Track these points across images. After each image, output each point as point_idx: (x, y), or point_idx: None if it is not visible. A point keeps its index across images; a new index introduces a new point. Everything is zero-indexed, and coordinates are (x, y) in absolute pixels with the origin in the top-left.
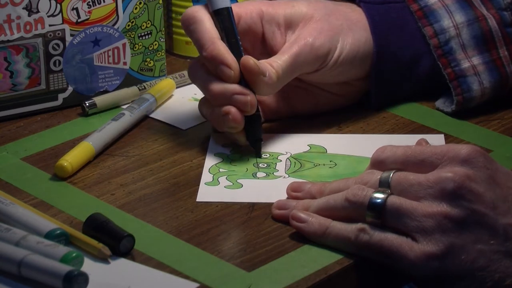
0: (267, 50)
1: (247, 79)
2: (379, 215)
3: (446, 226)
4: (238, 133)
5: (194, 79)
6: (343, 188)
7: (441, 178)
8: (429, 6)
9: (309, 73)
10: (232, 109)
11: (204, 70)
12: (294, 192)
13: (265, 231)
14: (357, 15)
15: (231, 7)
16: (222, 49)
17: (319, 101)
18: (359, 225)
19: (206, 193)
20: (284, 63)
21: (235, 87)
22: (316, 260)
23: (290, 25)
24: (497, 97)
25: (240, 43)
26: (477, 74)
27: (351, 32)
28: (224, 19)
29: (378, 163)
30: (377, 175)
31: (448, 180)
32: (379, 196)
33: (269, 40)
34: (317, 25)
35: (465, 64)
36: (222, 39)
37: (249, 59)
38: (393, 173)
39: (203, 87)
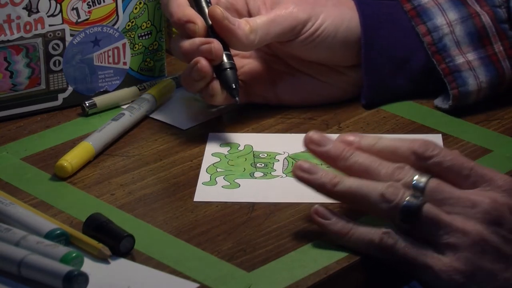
0: None
1: (218, 31)
2: (411, 220)
3: (480, 249)
4: (213, 87)
5: (174, 53)
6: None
7: (483, 202)
8: (422, 5)
9: (288, 42)
10: (201, 59)
11: (180, 40)
12: (317, 145)
13: (265, 231)
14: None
15: None
16: (187, 11)
17: (307, 90)
18: (384, 229)
19: (204, 193)
20: (261, 21)
21: (200, 39)
22: (316, 260)
23: (275, 2)
24: (495, 94)
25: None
26: (472, 69)
27: (337, 8)
28: None
29: (418, 154)
30: (411, 174)
31: (491, 206)
32: (414, 201)
33: (254, 16)
34: None
35: (460, 60)
36: (191, 6)
37: (215, 7)
38: (430, 179)
39: (176, 52)
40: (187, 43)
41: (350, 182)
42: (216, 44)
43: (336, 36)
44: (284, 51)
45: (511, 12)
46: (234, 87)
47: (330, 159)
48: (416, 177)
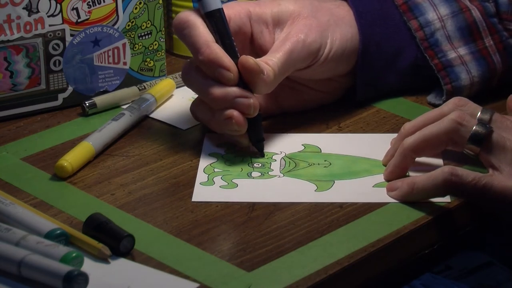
0: (255, 49)
1: (245, 79)
2: (479, 143)
3: None
4: (240, 135)
5: (189, 83)
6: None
7: None
8: (413, 0)
9: (301, 70)
10: (235, 113)
11: (200, 73)
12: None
13: (265, 231)
14: (341, 11)
15: (222, 8)
16: (218, 52)
17: (305, 99)
18: (441, 171)
19: (201, 193)
20: (279, 61)
21: (236, 90)
22: (316, 260)
23: (278, 23)
24: (487, 88)
25: (234, 43)
26: (464, 63)
27: (338, 28)
28: (217, 21)
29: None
30: (474, 108)
31: None
32: (483, 127)
33: (257, 39)
34: (306, 22)
35: (452, 55)
36: (216, 41)
37: (248, 59)
38: (494, 113)
39: (201, 91)
40: (219, 91)
41: (412, 136)
42: (254, 100)
43: (342, 57)
44: (292, 74)
45: (499, 6)
46: (263, 141)
47: (403, 170)
48: (480, 110)
